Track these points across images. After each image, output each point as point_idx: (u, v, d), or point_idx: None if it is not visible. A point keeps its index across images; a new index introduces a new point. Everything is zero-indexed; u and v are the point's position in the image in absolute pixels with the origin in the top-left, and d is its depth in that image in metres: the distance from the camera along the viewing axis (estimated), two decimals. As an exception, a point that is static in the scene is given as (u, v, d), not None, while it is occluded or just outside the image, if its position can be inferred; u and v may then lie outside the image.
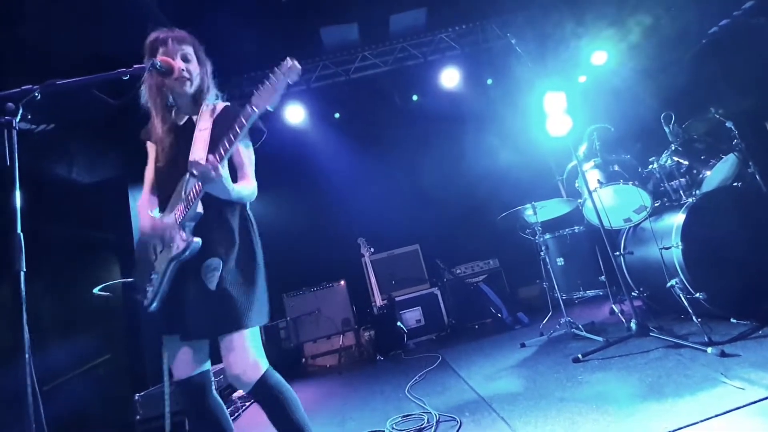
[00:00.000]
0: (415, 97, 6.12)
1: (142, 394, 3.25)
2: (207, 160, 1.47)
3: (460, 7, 5.27)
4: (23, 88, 1.31)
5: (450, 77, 5.66)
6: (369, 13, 4.91)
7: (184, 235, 1.57)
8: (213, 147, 1.59)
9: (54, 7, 3.07)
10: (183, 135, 1.71)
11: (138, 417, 3.17)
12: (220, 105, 1.77)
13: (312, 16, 4.75)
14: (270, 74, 1.46)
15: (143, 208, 1.73)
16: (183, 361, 1.65)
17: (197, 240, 1.57)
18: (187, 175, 1.61)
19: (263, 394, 1.56)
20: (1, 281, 2.73)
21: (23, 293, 1.16)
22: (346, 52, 5.52)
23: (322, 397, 3.52)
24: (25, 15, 2.97)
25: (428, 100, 6.06)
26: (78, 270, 3.72)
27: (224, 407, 1.73)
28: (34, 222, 1.26)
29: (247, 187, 1.66)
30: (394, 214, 5.68)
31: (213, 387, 1.70)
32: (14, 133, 1.27)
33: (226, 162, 1.52)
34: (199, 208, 1.59)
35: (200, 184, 1.52)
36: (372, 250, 5.04)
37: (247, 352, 1.55)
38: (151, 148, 1.80)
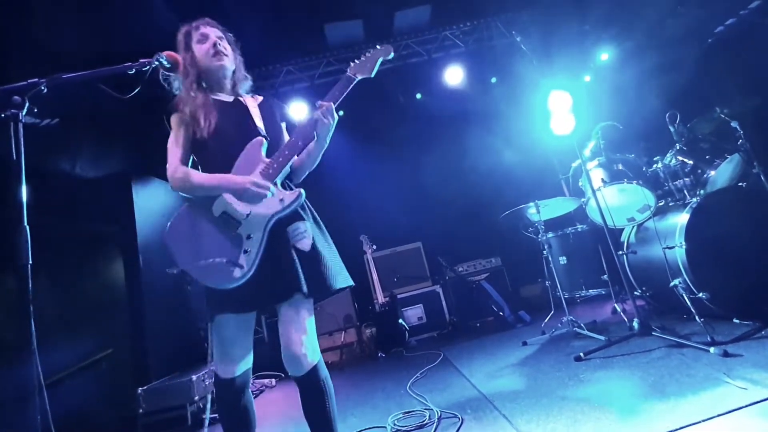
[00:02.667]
0: (418, 95, 6.11)
1: (144, 387, 3.27)
2: (325, 104, 1.65)
3: (465, 5, 5.25)
4: (30, 81, 1.31)
5: (454, 75, 5.65)
6: (373, 9, 4.89)
7: (285, 190, 1.62)
8: (268, 125, 1.75)
9: (59, 3, 3.08)
10: (236, 111, 1.74)
11: (141, 410, 3.19)
12: (258, 97, 1.88)
13: (316, 12, 4.74)
14: (368, 49, 1.83)
15: (213, 174, 1.62)
16: (231, 355, 1.60)
17: (302, 190, 1.61)
18: (260, 139, 1.65)
19: (313, 382, 1.52)
20: (5, 274, 2.74)
21: (30, 286, 1.16)
22: (350, 48, 5.50)
23: (324, 393, 3.53)
24: (31, 10, 2.97)
25: (432, 97, 6.04)
26: (81, 264, 3.74)
27: (254, 403, 1.71)
28: (36, 216, 1.26)
29: None
30: (396, 212, 5.67)
31: (249, 384, 1.68)
32: (20, 126, 1.28)
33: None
34: (289, 167, 1.67)
35: (304, 133, 1.65)
36: (374, 247, 5.04)
37: (312, 335, 1.55)
38: (180, 120, 1.69)
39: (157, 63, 1.56)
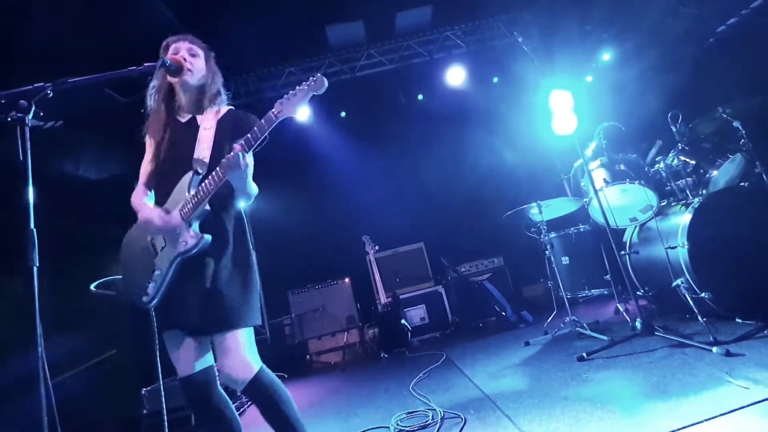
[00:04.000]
0: (420, 96, 6.12)
1: (148, 388, 3.28)
2: (236, 148, 1.53)
3: (466, 5, 5.26)
4: (36, 85, 1.33)
5: (455, 75, 5.66)
6: (375, 10, 4.91)
7: (192, 232, 1.59)
8: (217, 147, 1.68)
9: (61, 6, 3.09)
10: (187, 132, 1.73)
11: (144, 411, 3.21)
12: (224, 108, 1.82)
13: (318, 13, 4.76)
14: (297, 86, 1.58)
15: (142, 201, 1.72)
16: (185, 358, 1.64)
17: (207, 236, 1.59)
18: (190, 174, 1.64)
19: (256, 393, 1.59)
20: (11, 276, 2.77)
21: (36, 288, 1.18)
22: (352, 49, 5.52)
23: (327, 393, 3.54)
24: (33, 13, 2.99)
25: (433, 98, 6.05)
26: (85, 265, 3.75)
27: (229, 402, 1.73)
28: (40, 217, 1.28)
29: (254, 186, 1.72)
30: (398, 212, 5.68)
31: (217, 382, 1.70)
32: (27, 129, 1.29)
33: (251, 153, 1.59)
34: (207, 206, 1.62)
35: (218, 176, 1.56)
36: (377, 247, 5.05)
37: (240, 352, 1.58)
38: (149, 143, 1.81)
39: (161, 67, 1.57)
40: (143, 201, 1.73)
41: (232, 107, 1.85)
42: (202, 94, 1.77)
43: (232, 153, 1.53)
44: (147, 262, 1.66)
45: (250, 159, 1.61)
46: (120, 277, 1.74)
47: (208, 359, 1.68)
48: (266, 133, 1.56)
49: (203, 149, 1.68)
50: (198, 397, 1.65)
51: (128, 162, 4.22)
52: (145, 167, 1.80)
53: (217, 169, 1.58)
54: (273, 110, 1.57)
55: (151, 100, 1.78)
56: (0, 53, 2.85)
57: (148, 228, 1.66)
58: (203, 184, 1.59)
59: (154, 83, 1.76)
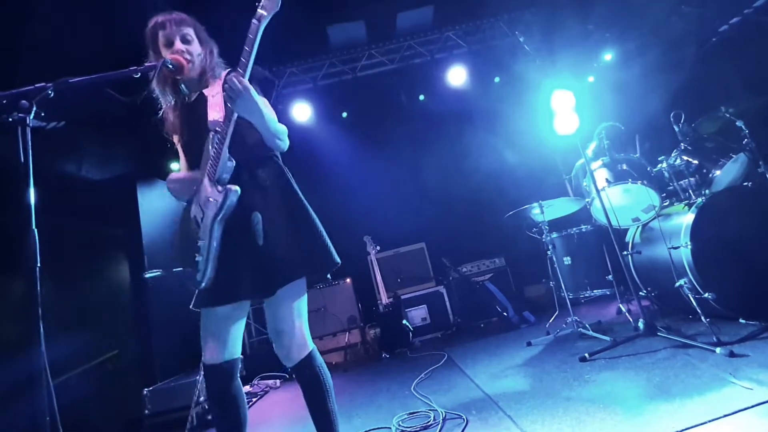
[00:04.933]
0: (421, 97, 6.11)
1: (150, 388, 3.29)
2: (231, 75, 1.47)
3: (467, 5, 5.26)
4: (37, 85, 1.33)
5: (457, 75, 5.65)
6: (376, 10, 4.91)
7: (220, 187, 1.53)
8: (228, 107, 1.60)
9: (60, 5, 3.09)
10: (197, 108, 1.70)
11: (146, 411, 3.21)
12: (224, 73, 1.75)
13: (319, 14, 4.75)
14: None
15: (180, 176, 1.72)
16: (216, 345, 1.60)
17: (235, 188, 1.52)
18: (210, 134, 1.58)
19: (307, 371, 1.56)
20: (12, 276, 2.77)
21: (38, 288, 1.18)
22: (353, 50, 5.53)
23: (328, 393, 3.53)
24: (32, 12, 2.99)
25: (435, 98, 6.05)
26: (86, 266, 3.76)
27: (244, 394, 1.71)
28: (42, 218, 1.28)
29: (279, 124, 1.69)
30: (400, 213, 5.68)
31: (238, 373, 1.68)
32: (28, 130, 1.29)
33: (262, 102, 1.55)
34: (228, 157, 1.55)
35: (226, 117, 1.51)
36: (378, 248, 5.04)
37: (299, 325, 1.56)
38: (175, 139, 1.79)
39: (162, 66, 1.57)
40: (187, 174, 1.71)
41: (230, 69, 1.78)
42: (204, 74, 1.73)
43: (228, 81, 1.48)
44: (193, 237, 1.59)
45: (266, 104, 1.60)
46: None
47: (237, 350, 1.65)
48: (256, 44, 1.50)
49: (215, 112, 1.63)
50: (219, 386, 1.63)
51: (130, 162, 4.25)
52: (182, 162, 1.79)
53: (222, 117, 1.55)
54: (255, 18, 1.51)
55: (161, 97, 1.75)
56: (1, 53, 2.85)
57: (180, 189, 1.67)
58: (215, 138, 1.55)
59: (157, 83, 1.71)
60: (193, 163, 1.69)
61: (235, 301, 1.57)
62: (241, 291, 1.53)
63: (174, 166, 4.75)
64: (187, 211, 1.67)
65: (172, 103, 1.74)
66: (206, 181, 1.57)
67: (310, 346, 1.59)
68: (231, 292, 1.54)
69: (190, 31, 1.72)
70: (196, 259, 1.55)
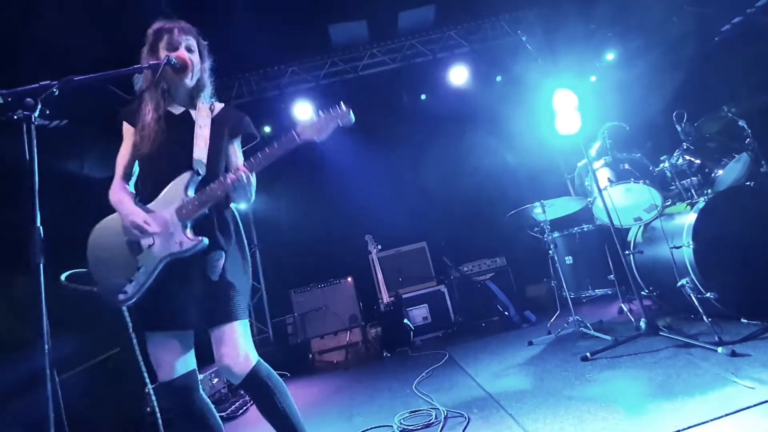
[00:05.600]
0: (423, 96, 6.11)
1: (153, 386, 3.29)
2: (241, 169, 1.57)
3: (469, 4, 5.25)
4: (42, 83, 1.33)
5: (458, 75, 5.65)
6: (378, 9, 4.91)
7: (189, 234, 1.57)
8: (213, 147, 1.67)
9: (62, 5, 3.10)
10: (181, 127, 1.68)
11: (148, 409, 3.22)
12: (218, 105, 1.79)
13: (321, 13, 4.76)
14: (322, 111, 1.64)
15: (124, 197, 1.65)
16: (168, 362, 1.61)
17: (204, 239, 1.56)
18: (189, 174, 1.61)
19: (253, 385, 1.58)
20: (15, 273, 2.77)
21: (42, 285, 1.18)
22: (355, 49, 5.52)
23: (330, 392, 3.54)
24: (35, 11, 3.00)
25: (436, 97, 6.05)
26: (87, 264, 3.76)
27: (212, 406, 1.71)
28: (44, 216, 1.28)
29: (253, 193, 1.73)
30: (401, 212, 5.68)
31: (199, 387, 1.68)
32: (33, 128, 1.30)
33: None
34: (205, 209, 1.61)
35: (219, 190, 1.58)
36: (379, 247, 5.05)
37: (239, 344, 1.57)
38: (129, 131, 1.71)
39: (166, 64, 1.57)
40: (125, 196, 1.65)
41: (223, 104, 1.82)
42: (196, 89, 1.74)
43: (235, 174, 1.56)
44: (127, 259, 1.59)
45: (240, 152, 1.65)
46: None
47: (190, 363, 1.66)
48: (280, 154, 1.60)
49: (201, 149, 1.64)
50: (181, 402, 1.63)
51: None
52: (125, 158, 1.71)
53: (220, 181, 1.58)
54: (296, 131, 1.62)
55: (144, 82, 1.69)
56: (5, 53, 2.86)
57: (132, 230, 1.57)
58: (206, 191, 1.58)
59: (144, 73, 1.65)
60: (147, 177, 1.67)
61: (183, 329, 1.62)
62: (189, 320, 1.58)
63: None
64: (113, 225, 1.65)
65: (156, 102, 1.67)
66: (171, 216, 1.58)
67: (255, 358, 1.60)
68: (172, 320, 1.58)
69: (193, 43, 1.73)
70: (128, 282, 1.57)
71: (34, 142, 1.27)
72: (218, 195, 1.58)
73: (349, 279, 5.31)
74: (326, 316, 5.12)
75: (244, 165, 1.60)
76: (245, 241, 1.78)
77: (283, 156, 1.62)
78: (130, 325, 1.92)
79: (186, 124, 1.69)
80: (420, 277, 5.37)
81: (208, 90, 1.78)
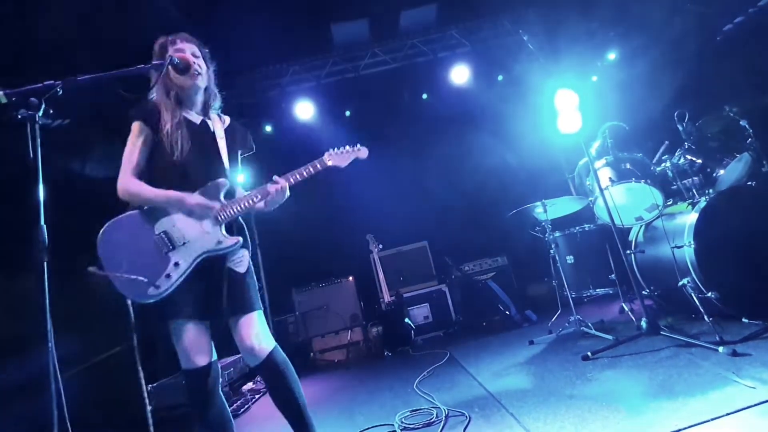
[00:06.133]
0: (424, 95, 6.11)
1: (153, 385, 3.30)
2: (282, 183, 1.82)
3: (471, 3, 5.24)
4: (46, 83, 1.34)
5: (460, 74, 5.64)
6: (379, 9, 4.90)
7: (227, 234, 1.74)
8: (231, 158, 1.85)
9: (65, 5, 3.10)
10: (204, 136, 1.81)
11: (150, 407, 3.23)
12: (226, 118, 1.95)
13: (322, 12, 4.76)
14: (348, 146, 2.05)
15: (156, 188, 1.69)
16: (195, 349, 1.70)
17: (239, 239, 1.75)
18: (224, 181, 1.76)
19: (270, 367, 1.71)
20: (19, 272, 2.79)
21: (47, 283, 1.19)
22: (356, 48, 5.52)
23: (331, 391, 3.55)
24: (39, 12, 3.00)
25: (438, 96, 6.05)
26: (90, 262, 3.77)
27: (227, 405, 1.82)
28: (47, 215, 1.29)
29: None
30: (402, 211, 5.68)
31: (220, 381, 1.79)
32: (37, 127, 1.30)
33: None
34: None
35: (255, 200, 1.77)
36: (380, 246, 5.05)
37: (260, 330, 1.72)
38: (144, 131, 1.74)
39: (169, 64, 1.58)
40: (156, 188, 1.69)
41: (228, 117, 1.98)
42: (208, 97, 1.86)
43: (278, 185, 1.79)
44: (158, 256, 1.67)
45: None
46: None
47: (213, 353, 1.77)
48: (309, 175, 1.87)
49: (224, 157, 1.81)
50: (203, 390, 1.71)
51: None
52: (137, 157, 1.74)
53: (262, 190, 1.79)
54: (324, 158, 1.96)
55: (157, 92, 1.76)
56: (9, 52, 2.87)
57: (182, 208, 1.69)
58: (245, 200, 1.76)
59: (159, 84, 1.74)
60: (176, 180, 1.71)
61: (209, 319, 1.74)
62: (215, 310, 1.70)
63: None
64: (151, 221, 1.71)
65: (173, 107, 1.76)
66: (212, 217, 1.73)
67: (273, 344, 1.76)
68: (201, 310, 1.70)
69: (197, 50, 1.82)
70: (161, 277, 1.63)
71: (39, 141, 1.28)
72: (256, 202, 1.76)
73: (351, 278, 5.32)
74: (327, 315, 5.13)
75: (280, 178, 1.82)
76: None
77: (312, 176, 1.92)
78: (133, 323, 2.03)
79: (209, 134, 1.82)
80: (421, 276, 5.37)
81: (218, 101, 1.91)
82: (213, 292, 1.70)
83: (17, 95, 1.28)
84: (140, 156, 1.74)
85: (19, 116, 1.28)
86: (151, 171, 1.75)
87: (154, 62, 1.59)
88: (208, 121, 1.84)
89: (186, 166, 1.72)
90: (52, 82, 1.33)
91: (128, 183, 1.70)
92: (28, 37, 2.92)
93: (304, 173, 1.85)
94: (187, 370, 1.70)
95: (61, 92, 1.35)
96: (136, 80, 1.73)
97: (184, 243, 1.68)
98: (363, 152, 2.08)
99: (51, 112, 1.37)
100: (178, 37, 1.79)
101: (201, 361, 1.70)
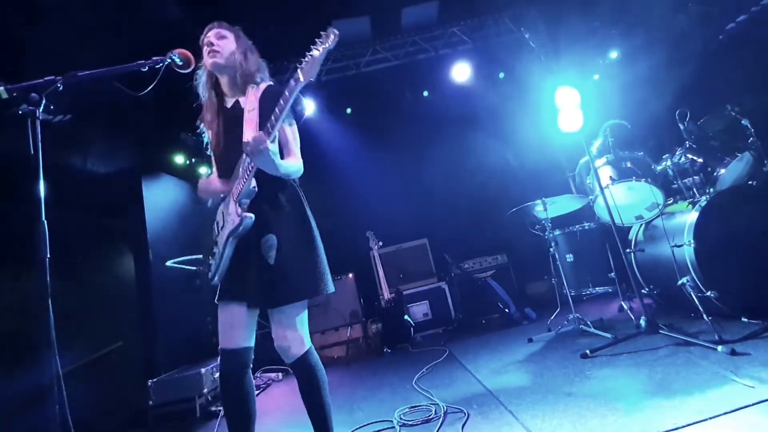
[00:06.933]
0: (425, 93, 6.09)
1: (154, 380, 3.32)
2: (256, 135, 1.56)
3: (472, 1, 5.22)
4: (46, 79, 1.34)
5: (461, 71, 5.63)
6: (381, 5, 4.89)
7: (239, 210, 1.67)
8: (263, 126, 1.69)
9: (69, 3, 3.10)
10: (232, 118, 1.80)
11: (150, 403, 3.24)
12: (263, 85, 1.85)
13: (324, 8, 4.74)
14: (312, 47, 1.58)
15: (214, 181, 1.85)
16: (233, 332, 1.71)
17: (250, 215, 1.65)
18: (244, 155, 1.68)
19: (303, 368, 1.71)
20: (20, 267, 2.79)
21: (48, 279, 1.19)
22: (358, 45, 5.51)
23: (331, 387, 3.49)
24: (42, 10, 3.00)
25: (439, 94, 6.03)
26: (91, 258, 3.78)
27: (254, 389, 1.81)
28: (48, 210, 1.29)
29: (293, 164, 1.76)
30: (402, 208, 5.68)
31: (250, 364, 1.78)
32: (38, 123, 1.31)
33: (275, 137, 1.64)
34: (253, 185, 1.68)
35: (251, 164, 1.65)
36: (380, 243, 5.06)
37: (298, 327, 1.69)
38: (208, 134, 1.89)
39: (169, 61, 1.58)
40: (214, 181, 1.83)
41: (271, 83, 1.88)
42: (237, 74, 1.80)
43: (252, 140, 1.56)
44: (212, 241, 1.81)
45: (273, 146, 1.58)
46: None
47: (250, 340, 1.76)
48: (290, 103, 1.59)
49: (250, 131, 1.72)
50: (235, 371, 1.72)
51: (135, 156, 4.26)
52: (213, 157, 1.89)
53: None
54: (294, 77, 1.57)
55: (201, 90, 1.86)
56: (10, 49, 2.86)
57: (213, 196, 1.82)
58: (246, 165, 1.67)
59: (197, 75, 1.83)
60: (224, 172, 1.81)
61: (243, 302, 1.71)
62: (249, 298, 1.69)
63: (179, 159, 4.80)
64: (215, 211, 1.84)
65: (213, 99, 1.84)
66: (231, 197, 1.72)
67: (308, 345, 1.73)
68: (240, 295, 1.70)
69: (226, 32, 1.82)
70: (211, 261, 1.78)
71: (39, 136, 1.28)
72: (251, 172, 1.66)
73: (350, 275, 5.32)
74: (327, 312, 5.13)
75: (257, 132, 1.62)
76: (308, 217, 1.81)
77: (289, 109, 1.62)
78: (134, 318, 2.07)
79: (237, 112, 1.80)
80: (421, 273, 5.38)
81: (261, 74, 1.86)
82: (246, 279, 1.68)
83: (18, 90, 1.29)
84: (213, 157, 1.88)
85: (20, 112, 1.28)
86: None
87: (154, 58, 1.58)
88: (241, 99, 1.82)
89: (222, 154, 1.80)
90: (52, 77, 1.33)
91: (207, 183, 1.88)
92: (28, 36, 2.92)
93: (280, 113, 1.58)
94: (221, 349, 1.73)
95: (61, 88, 1.35)
96: (139, 77, 1.73)
97: (222, 226, 1.75)
98: (331, 37, 1.58)
99: (51, 107, 1.37)
100: (210, 27, 1.82)
101: (231, 343, 1.70)
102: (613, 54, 5.57)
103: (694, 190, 3.13)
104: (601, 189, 3.10)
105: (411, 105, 6.12)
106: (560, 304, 3.93)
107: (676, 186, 3.28)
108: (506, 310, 4.58)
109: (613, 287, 3.80)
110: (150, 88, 1.64)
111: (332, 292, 1.79)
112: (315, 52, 1.56)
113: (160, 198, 4.25)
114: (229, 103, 1.85)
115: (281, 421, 2.86)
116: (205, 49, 1.77)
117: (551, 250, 3.78)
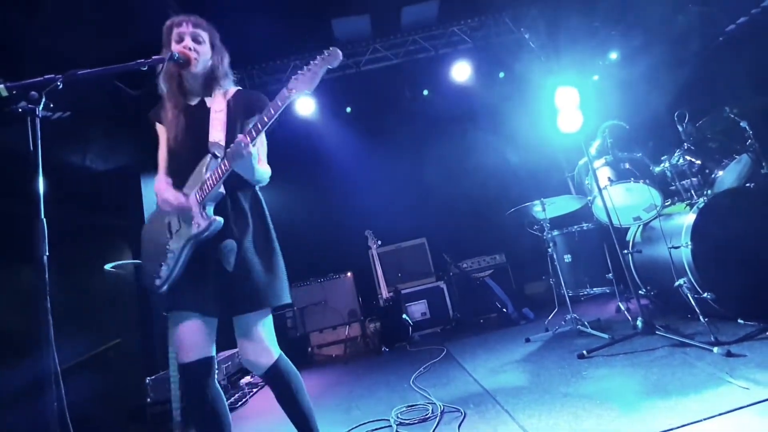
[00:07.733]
0: (425, 92, 6.09)
1: (152, 377, 3.32)
2: (239, 138, 1.52)
3: (472, 0, 5.22)
4: (46, 77, 1.34)
5: (461, 71, 5.63)
6: (381, 4, 4.88)
7: (205, 214, 1.60)
8: (230, 128, 1.68)
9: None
10: (197, 117, 1.73)
11: (148, 400, 3.25)
12: (232, 89, 1.82)
13: (324, 7, 4.74)
14: (311, 60, 1.55)
15: (164, 185, 1.70)
16: (188, 344, 1.60)
17: (219, 219, 1.60)
18: (208, 157, 1.63)
19: (274, 378, 1.64)
20: (19, 265, 2.80)
21: (47, 277, 1.20)
22: (357, 44, 5.50)
23: (328, 386, 3.57)
24: (41, 8, 2.99)
25: (438, 93, 6.03)
26: (89, 255, 3.79)
27: (224, 397, 1.71)
28: (47, 208, 1.29)
29: (265, 170, 1.73)
30: (401, 208, 5.69)
31: (215, 376, 1.68)
32: (37, 120, 1.31)
33: (257, 141, 1.59)
34: (221, 188, 1.63)
35: (226, 163, 1.56)
36: (379, 242, 5.07)
37: (262, 337, 1.62)
38: (161, 131, 1.80)
39: (170, 60, 1.58)
40: (164, 185, 1.71)
41: (240, 87, 1.86)
42: (209, 78, 1.76)
43: (234, 143, 1.53)
44: (161, 244, 1.66)
45: (254, 150, 1.57)
46: (132, 261, 1.79)
47: (210, 349, 1.66)
48: (279, 113, 1.54)
49: (217, 132, 1.67)
50: (195, 386, 1.63)
51: (134, 153, 4.26)
52: (162, 155, 1.79)
53: (225, 155, 1.60)
54: (287, 87, 1.53)
55: (163, 86, 1.77)
56: (9, 48, 2.86)
57: (164, 207, 1.67)
58: (216, 169, 1.60)
59: (163, 71, 1.73)
60: (176, 170, 1.72)
61: (203, 314, 1.62)
62: (206, 306, 1.60)
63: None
64: (160, 212, 1.73)
65: (174, 97, 1.74)
66: (192, 199, 1.62)
67: (276, 353, 1.66)
68: (197, 303, 1.60)
69: (203, 34, 1.75)
70: (161, 265, 1.63)
71: (39, 134, 1.28)
72: (222, 175, 1.58)
73: (349, 274, 5.33)
74: (325, 311, 5.14)
75: (241, 135, 1.55)
76: (269, 224, 1.76)
77: (280, 117, 1.57)
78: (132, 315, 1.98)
79: (202, 112, 1.73)
80: (419, 272, 5.39)
81: (228, 80, 1.81)
82: (205, 286, 1.59)
83: (18, 88, 1.29)
84: (165, 153, 1.78)
85: (20, 109, 1.28)
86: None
87: (154, 57, 1.58)
88: (207, 100, 1.76)
89: (180, 152, 1.70)
90: (52, 75, 1.33)
91: (155, 184, 1.74)
92: (28, 32, 2.91)
93: (267, 121, 1.54)
94: (179, 364, 1.63)
95: (61, 86, 1.35)
96: (138, 75, 1.73)
97: (177, 230, 1.65)
98: (333, 56, 1.55)
99: (51, 105, 1.37)
100: (183, 20, 1.72)
101: (191, 356, 1.59)
102: (613, 55, 5.57)
103: (692, 191, 3.14)
104: (600, 190, 3.11)
105: (411, 104, 6.12)
106: (558, 304, 3.94)
107: (674, 187, 3.29)
108: (504, 310, 4.59)
109: (610, 288, 3.81)
110: (149, 86, 1.64)
111: (290, 303, 1.72)
112: (313, 66, 1.54)
113: (159, 195, 4.25)
114: (194, 101, 1.78)
115: (282, 421, 2.86)
116: (180, 45, 1.68)
117: (549, 250, 3.79)
